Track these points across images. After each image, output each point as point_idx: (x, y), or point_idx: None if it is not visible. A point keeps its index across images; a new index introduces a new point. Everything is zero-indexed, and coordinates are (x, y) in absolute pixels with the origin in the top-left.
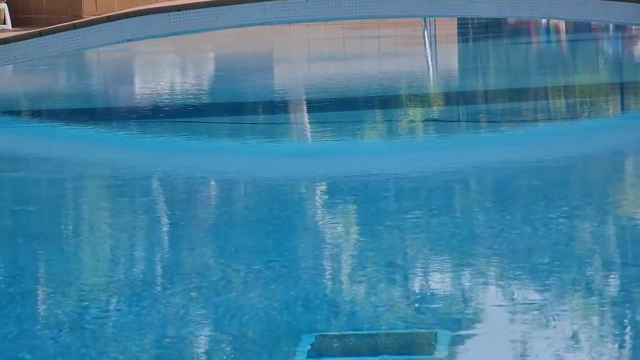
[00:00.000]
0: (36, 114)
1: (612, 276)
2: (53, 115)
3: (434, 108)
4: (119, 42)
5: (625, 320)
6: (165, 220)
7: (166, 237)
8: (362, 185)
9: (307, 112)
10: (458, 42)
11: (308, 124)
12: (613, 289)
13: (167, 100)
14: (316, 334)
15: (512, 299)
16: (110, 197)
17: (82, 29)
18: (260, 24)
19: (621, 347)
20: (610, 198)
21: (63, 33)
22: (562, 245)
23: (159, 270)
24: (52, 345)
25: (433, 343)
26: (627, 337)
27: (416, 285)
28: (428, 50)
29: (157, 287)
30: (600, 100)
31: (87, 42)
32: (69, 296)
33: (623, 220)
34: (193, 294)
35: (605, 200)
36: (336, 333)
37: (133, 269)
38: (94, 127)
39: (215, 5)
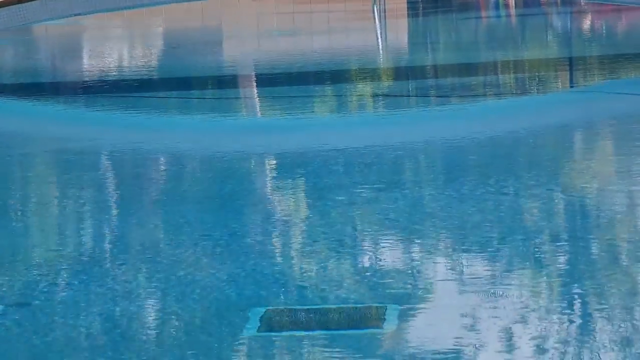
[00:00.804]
0: None
1: (559, 249)
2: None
3: (384, 83)
4: (67, 17)
5: (571, 292)
6: (113, 195)
7: (114, 212)
8: (312, 159)
9: (257, 87)
10: (408, 16)
11: (257, 98)
12: (560, 262)
13: (115, 75)
14: (266, 308)
15: (461, 273)
16: (57, 172)
17: (28, 3)
18: None
19: (568, 318)
20: (557, 172)
21: (8, 8)
22: (509, 218)
23: (106, 244)
24: None
25: (382, 317)
26: (574, 309)
27: (365, 259)
28: (377, 25)
29: (105, 262)
30: (549, 75)
31: (33, 17)
32: (16, 270)
33: (570, 193)
34: (142, 268)
35: (553, 173)
36: (286, 307)
37: (80, 244)
38: (42, 102)
39: None
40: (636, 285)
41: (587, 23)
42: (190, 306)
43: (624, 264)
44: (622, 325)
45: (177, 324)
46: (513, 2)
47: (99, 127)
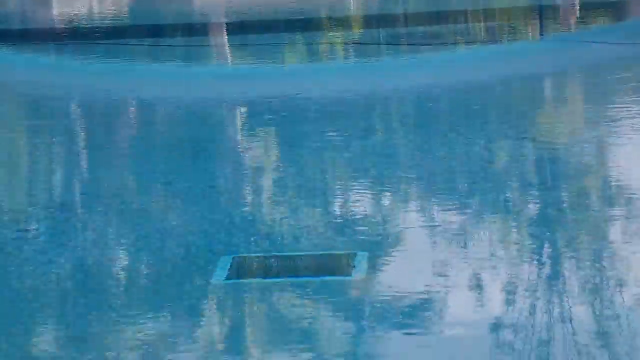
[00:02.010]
0: None
1: (529, 197)
2: None
3: (355, 31)
4: None
5: (541, 239)
6: (82, 142)
7: (83, 159)
8: (282, 107)
9: (227, 35)
10: None
11: (228, 46)
12: (530, 209)
13: (86, 23)
14: (234, 255)
15: (431, 220)
16: (27, 119)
17: None
18: None
19: (538, 265)
20: (526, 120)
21: None
22: (480, 167)
23: (75, 191)
24: None
25: (351, 264)
26: (543, 256)
27: (335, 207)
28: None
29: (74, 209)
30: (519, 24)
31: None
32: None
33: (539, 141)
34: (111, 216)
35: (522, 122)
36: (255, 255)
37: (49, 190)
38: (12, 49)
39: None
40: (606, 232)
41: None
42: (158, 254)
43: (594, 211)
44: (592, 271)
45: (145, 271)
46: None
47: (68, 74)
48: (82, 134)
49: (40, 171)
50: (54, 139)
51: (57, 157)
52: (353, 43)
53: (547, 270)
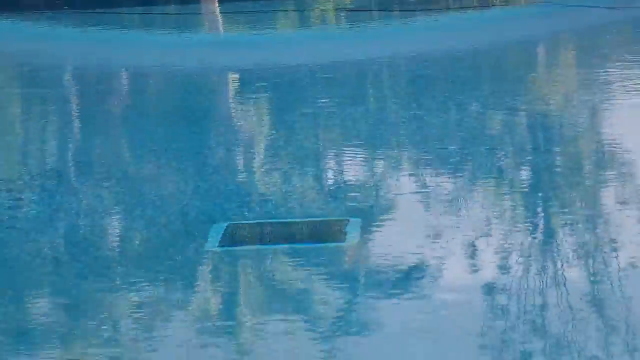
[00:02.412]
0: None
1: (523, 162)
2: None
3: None
4: None
5: (533, 206)
6: (77, 110)
7: (77, 127)
8: (275, 75)
9: (219, 2)
10: None
11: (220, 14)
12: (522, 175)
13: None
14: (228, 222)
15: (424, 186)
16: (23, 87)
17: None
18: None
19: (531, 230)
20: (520, 85)
21: None
22: (472, 132)
23: (70, 159)
24: None
25: (344, 230)
26: (536, 221)
27: (328, 173)
28: None
29: (68, 176)
30: None
31: None
32: None
33: (532, 107)
34: (105, 183)
35: (517, 86)
36: (248, 221)
37: (44, 158)
38: (6, 19)
39: None
40: (598, 196)
41: None
42: (152, 221)
43: (587, 175)
44: (586, 235)
45: (138, 238)
46: None
47: (62, 43)
48: (77, 102)
49: (33, 139)
50: (47, 107)
51: (51, 125)
52: (345, 10)
53: (539, 234)
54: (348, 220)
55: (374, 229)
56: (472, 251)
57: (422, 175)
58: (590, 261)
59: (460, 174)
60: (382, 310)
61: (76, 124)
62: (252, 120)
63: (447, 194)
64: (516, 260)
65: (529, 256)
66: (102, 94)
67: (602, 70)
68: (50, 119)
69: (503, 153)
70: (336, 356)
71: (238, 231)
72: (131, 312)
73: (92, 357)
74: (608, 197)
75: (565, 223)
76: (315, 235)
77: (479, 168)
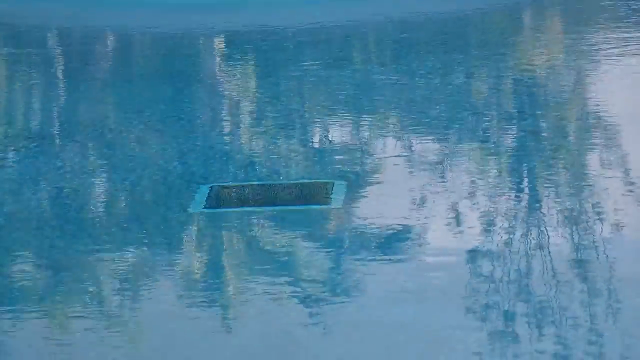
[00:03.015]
0: None
1: (508, 126)
2: None
3: None
4: None
5: (519, 170)
6: (61, 71)
7: (62, 88)
8: (261, 37)
9: None
10: None
11: None
12: (509, 139)
13: None
14: (212, 184)
15: (409, 150)
16: (4, 47)
17: None
18: None
19: (516, 194)
20: (506, 49)
21: None
22: (458, 96)
23: (54, 120)
24: None
25: (329, 193)
26: (522, 185)
27: (313, 136)
28: None
29: (53, 138)
30: None
31: None
32: None
33: (518, 71)
34: (90, 144)
35: (501, 51)
36: (232, 184)
37: (28, 119)
38: None
39: None
40: (583, 161)
41: None
42: (136, 183)
43: (572, 140)
44: (570, 200)
45: (123, 200)
46: None
47: (45, 3)
48: (59, 63)
49: (16, 100)
50: (30, 68)
51: (33, 86)
52: None
53: (525, 198)
54: (333, 184)
55: (359, 192)
56: (457, 215)
57: (407, 138)
58: (575, 225)
59: (447, 138)
60: (367, 273)
61: (59, 85)
62: (238, 83)
63: (432, 158)
64: (501, 224)
65: (514, 220)
66: (86, 56)
67: (586, 35)
68: (32, 80)
69: (490, 116)
70: (320, 318)
71: (222, 193)
72: (114, 274)
73: (75, 319)
74: (592, 161)
75: (551, 187)
76: (300, 198)
77: (465, 132)
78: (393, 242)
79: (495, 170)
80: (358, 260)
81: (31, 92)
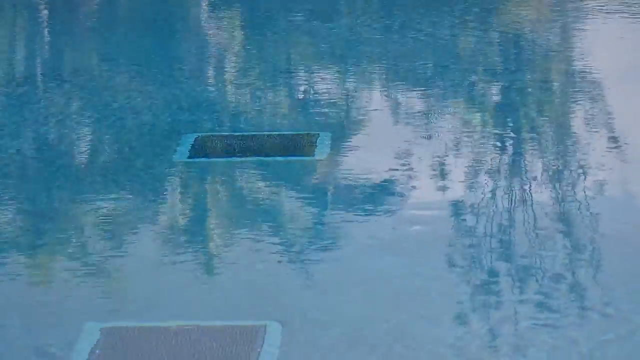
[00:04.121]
0: None
1: (493, 81)
2: None
3: None
4: None
5: (503, 125)
6: (46, 19)
7: (47, 36)
8: None
9: None
10: None
11: None
12: (493, 94)
13: None
14: (197, 134)
15: (395, 102)
16: None
17: None
18: None
19: (500, 148)
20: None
21: None
22: (444, 51)
23: (39, 68)
24: None
25: (314, 144)
26: (506, 139)
27: (298, 88)
28: None
29: (38, 86)
30: None
31: None
32: None
33: (505, 27)
34: (75, 92)
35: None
36: (217, 133)
37: (13, 66)
38: None
39: None
40: (566, 115)
41: None
42: (121, 131)
43: (557, 93)
44: (553, 153)
45: (107, 149)
46: None
47: None
48: (44, 10)
49: (1, 45)
50: (16, 14)
51: (18, 33)
52: None
53: (508, 153)
54: (318, 135)
55: (344, 143)
56: (441, 168)
57: (393, 91)
58: (558, 180)
59: (432, 92)
60: (351, 224)
61: (44, 33)
62: (224, 34)
63: (417, 111)
64: (485, 179)
65: (498, 175)
66: (70, 2)
67: None
68: (17, 26)
69: (475, 72)
70: (304, 269)
71: (207, 143)
72: (99, 222)
73: (59, 267)
74: (577, 117)
75: (535, 141)
76: (285, 148)
77: (451, 86)
78: (376, 194)
79: (480, 124)
80: (341, 211)
81: (16, 38)
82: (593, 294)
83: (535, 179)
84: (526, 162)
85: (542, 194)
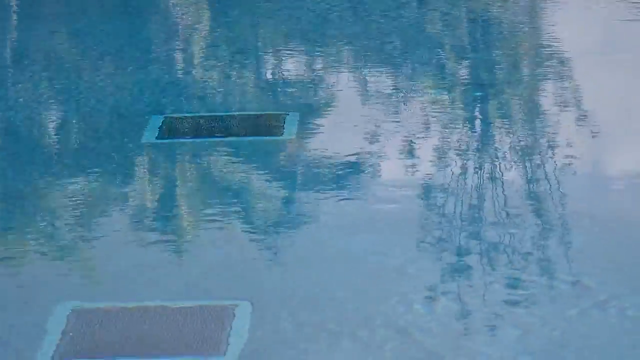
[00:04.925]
0: None
1: (462, 59)
2: None
3: None
4: None
5: (472, 103)
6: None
7: (15, 20)
8: None
9: None
10: None
11: None
12: (462, 71)
13: None
14: (165, 115)
15: (363, 82)
16: None
17: None
18: None
19: (469, 127)
20: None
21: None
22: (412, 29)
23: (8, 51)
24: None
25: (282, 124)
26: (475, 118)
27: (268, 68)
28: None
29: (6, 68)
30: None
31: None
32: None
33: (473, 3)
34: (44, 75)
35: None
36: (185, 114)
37: None
38: None
39: None
40: (535, 92)
41: None
42: (89, 113)
43: (525, 70)
44: (522, 131)
45: (75, 131)
46: None
47: None
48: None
49: None
50: None
51: None
52: None
53: (478, 132)
54: (286, 115)
55: (312, 123)
56: (410, 147)
57: (361, 71)
58: (528, 159)
59: (401, 72)
60: (320, 204)
61: (11, 17)
62: (192, 15)
63: (386, 91)
64: (454, 158)
65: (468, 154)
66: None
67: None
68: None
69: (444, 50)
70: (274, 248)
71: (175, 124)
72: (68, 204)
73: (28, 249)
74: (546, 94)
75: (505, 120)
76: (253, 128)
77: (421, 66)
78: (345, 173)
79: (450, 103)
80: (310, 190)
81: None
82: (562, 270)
83: (505, 157)
84: (496, 141)
85: (512, 173)
